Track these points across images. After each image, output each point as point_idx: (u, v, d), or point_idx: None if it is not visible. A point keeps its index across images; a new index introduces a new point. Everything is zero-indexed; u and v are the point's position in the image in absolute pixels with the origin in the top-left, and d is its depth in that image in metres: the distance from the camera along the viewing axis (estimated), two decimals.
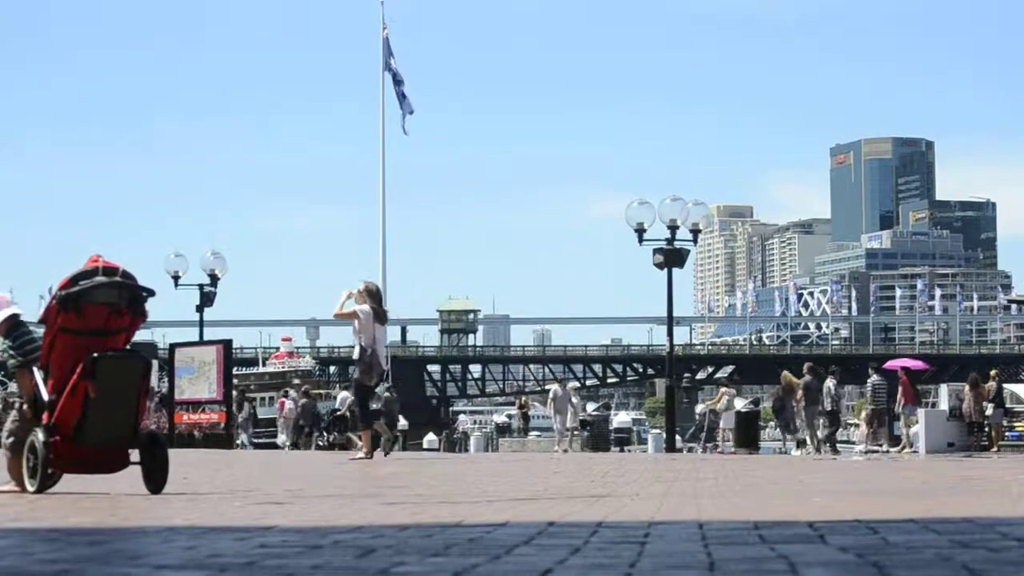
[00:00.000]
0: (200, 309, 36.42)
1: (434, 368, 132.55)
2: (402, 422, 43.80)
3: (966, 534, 5.20)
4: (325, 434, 36.33)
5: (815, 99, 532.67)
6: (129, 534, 5.89)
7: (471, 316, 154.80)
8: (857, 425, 47.94)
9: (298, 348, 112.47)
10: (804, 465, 17.88)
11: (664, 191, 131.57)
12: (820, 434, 29.44)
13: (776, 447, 36.59)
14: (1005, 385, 33.33)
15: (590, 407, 65.06)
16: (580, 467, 15.52)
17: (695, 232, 30.17)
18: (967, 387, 30.28)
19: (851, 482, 12.36)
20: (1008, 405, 32.40)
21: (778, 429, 36.25)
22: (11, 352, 9.62)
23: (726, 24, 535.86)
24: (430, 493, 9.38)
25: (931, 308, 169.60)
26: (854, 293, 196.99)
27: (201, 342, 34.62)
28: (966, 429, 29.83)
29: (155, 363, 35.46)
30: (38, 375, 9.16)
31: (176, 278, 36.04)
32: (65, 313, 8.89)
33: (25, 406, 9.41)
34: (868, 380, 31.55)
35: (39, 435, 8.88)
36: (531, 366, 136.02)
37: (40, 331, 9.31)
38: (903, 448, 29.89)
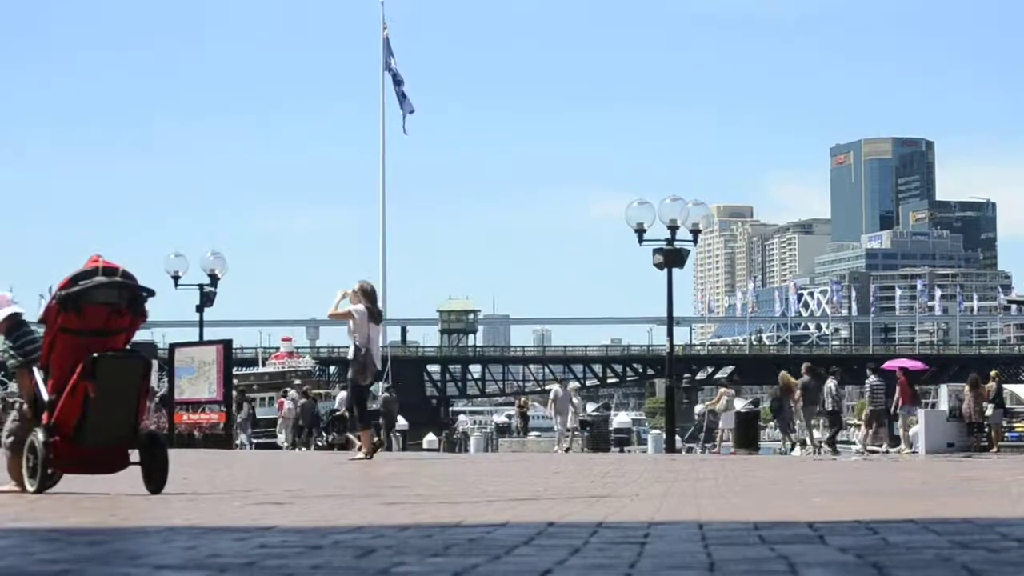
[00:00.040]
0: (200, 309, 36.41)
1: (434, 368, 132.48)
2: (402, 422, 43.82)
3: (966, 535, 5.20)
4: (324, 434, 36.38)
5: (815, 99, 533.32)
6: (129, 534, 5.90)
7: (471, 316, 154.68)
8: (858, 426, 47.92)
9: (298, 348, 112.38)
10: (804, 465, 17.88)
11: (664, 191, 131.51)
12: (819, 434, 29.43)
13: (776, 447, 36.57)
14: (1005, 386, 33.35)
15: (590, 407, 65.01)
16: (580, 467, 15.51)
17: (695, 232, 30.15)
18: (967, 388, 30.27)
19: (851, 482, 12.36)
20: (1008, 406, 32.42)
21: (778, 430, 36.23)
22: (11, 352, 9.62)
23: (726, 24, 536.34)
24: (430, 493, 9.38)
25: (931, 308, 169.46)
26: (854, 293, 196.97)
27: (201, 342, 34.60)
28: (966, 430, 29.83)
29: (155, 363, 35.46)
30: (38, 375, 9.16)
31: (176, 278, 36.04)
32: (65, 313, 8.89)
33: (25, 406, 9.42)
34: (866, 381, 31.54)
35: (39, 435, 8.88)
36: (531, 366, 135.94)
37: (41, 331, 9.32)
38: (901, 449, 29.87)
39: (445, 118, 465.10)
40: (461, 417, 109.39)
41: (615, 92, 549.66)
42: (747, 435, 31.56)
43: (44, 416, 8.97)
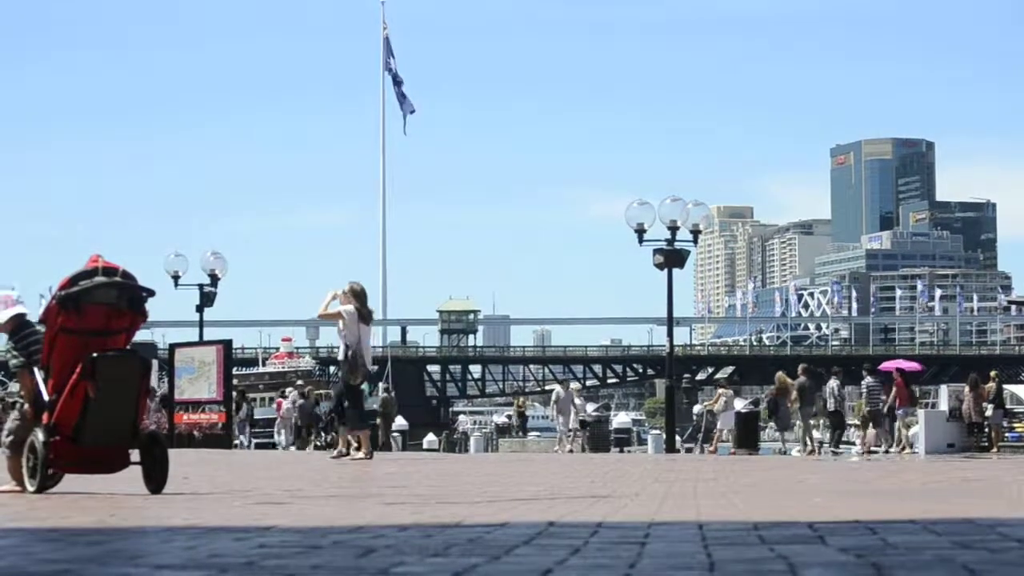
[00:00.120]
0: (200, 309, 36.40)
1: (434, 368, 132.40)
2: (402, 422, 43.83)
3: (966, 535, 5.20)
4: (323, 434, 36.35)
5: (815, 99, 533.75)
6: (129, 534, 5.90)
7: (471, 316, 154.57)
8: (858, 426, 47.94)
9: (298, 348, 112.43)
10: (804, 465, 17.88)
11: (664, 191, 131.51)
12: (818, 435, 29.40)
13: (776, 448, 36.55)
14: (1005, 386, 33.34)
15: (590, 407, 65.00)
16: (580, 467, 15.51)
17: (695, 233, 30.16)
18: (967, 388, 30.27)
19: (851, 483, 12.36)
20: (1008, 406, 32.41)
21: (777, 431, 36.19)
22: (14, 352, 9.62)
23: (726, 24, 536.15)
24: (430, 493, 9.38)
25: (931, 309, 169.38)
26: (854, 294, 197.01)
27: (201, 342, 34.59)
28: (966, 430, 29.83)
29: (155, 363, 35.46)
30: (38, 375, 9.16)
31: (176, 278, 36.02)
32: (65, 313, 8.89)
33: (26, 406, 9.42)
34: (862, 381, 31.55)
35: (39, 435, 8.88)
36: (531, 366, 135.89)
37: (43, 331, 9.32)
38: (902, 449, 29.86)
39: (445, 118, 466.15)
40: (461, 417, 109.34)
41: (615, 92, 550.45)
42: (747, 435, 31.56)
43: (44, 416, 8.97)
